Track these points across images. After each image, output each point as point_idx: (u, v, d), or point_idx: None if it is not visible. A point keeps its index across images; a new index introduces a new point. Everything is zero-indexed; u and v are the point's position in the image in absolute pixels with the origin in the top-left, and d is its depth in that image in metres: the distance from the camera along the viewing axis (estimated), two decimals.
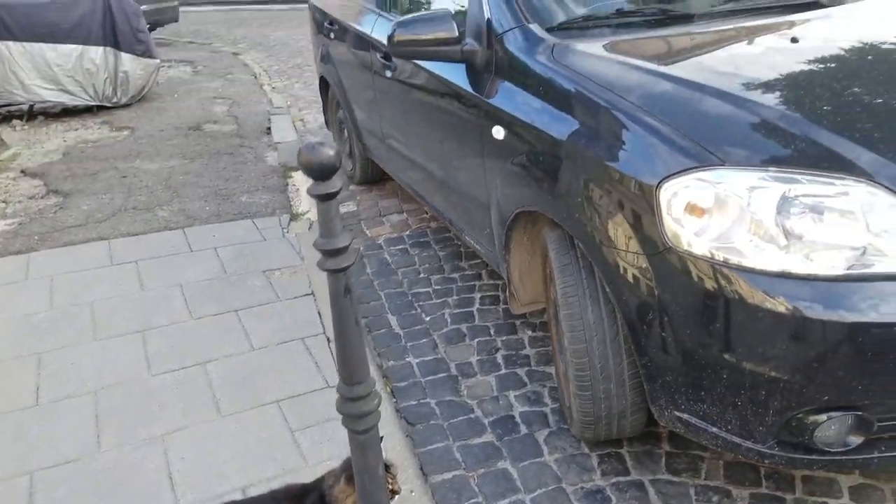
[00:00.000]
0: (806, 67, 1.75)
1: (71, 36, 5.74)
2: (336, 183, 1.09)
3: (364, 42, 3.31)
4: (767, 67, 1.73)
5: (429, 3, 3.02)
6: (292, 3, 16.76)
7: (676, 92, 1.64)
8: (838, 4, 2.16)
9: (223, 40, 11.35)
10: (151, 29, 9.07)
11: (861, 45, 1.90)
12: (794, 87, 1.66)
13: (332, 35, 3.92)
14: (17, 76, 5.57)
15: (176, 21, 11.47)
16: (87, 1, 5.85)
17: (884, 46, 1.91)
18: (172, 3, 11.50)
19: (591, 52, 1.91)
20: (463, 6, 2.45)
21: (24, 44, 5.54)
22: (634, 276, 1.51)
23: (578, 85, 1.78)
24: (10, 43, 5.50)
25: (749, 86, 1.63)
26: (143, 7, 9.33)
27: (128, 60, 6.00)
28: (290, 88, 7.19)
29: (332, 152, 1.08)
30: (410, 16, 2.34)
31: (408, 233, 3.47)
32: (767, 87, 1.63)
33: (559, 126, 1.78)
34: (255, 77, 7.74)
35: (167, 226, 3.60)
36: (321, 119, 5.63)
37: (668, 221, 1.43)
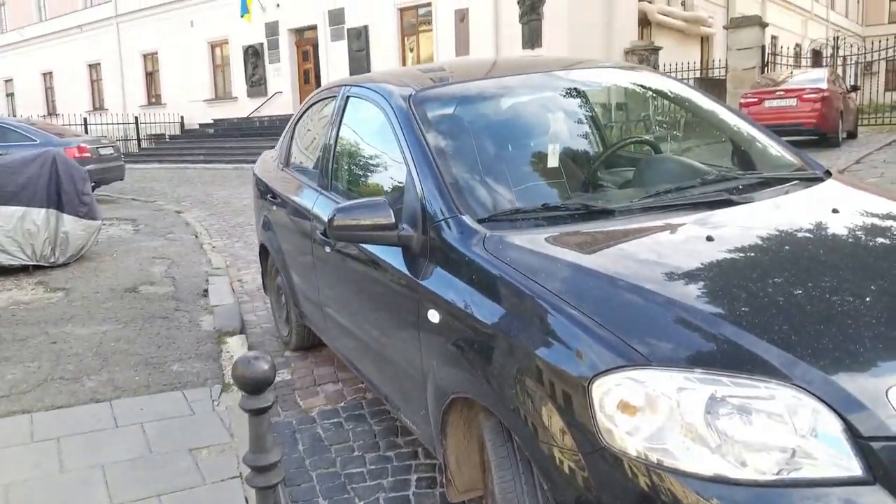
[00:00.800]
0: (723, 264, 1.85)
1: (15, 198, 5.77)
2: (269, 397, 1.10)
3: (305, 215, 3.43)
4: (686, 264, 1.82)
5: (366, 182, 3.19)
6: (237, 162, 17.31)
7: (601, 285, 1.73)
8: (749, 202, 2.35)
9: (167, 198, 11.50)
10: (96, 187, 9.18)
11: (774, 241, 2.01)
12: (713, 284, 1.75)
13: (273, 206, 4.05)
14: None
15: (121, 179, 11.64)
16: (35, 165, 5.94)
17: (795, 242, 2.03)
18: (118, 162, 11.73)
19: (521, 244, 2.02)
20: (395, 183, 2.60)
21: None
22: (571, 473, 1.52)
23: (509, 275, 1.87)
24: None
25: (670, 281, 1.72)
26: (90, 166, 9.53)
27: (69, 221, 6.01)
28: (231, 247, 7.26)
29: (266, 366, 1.10)
30: (349, 203, 2.46)
31: (342, 404, 3.41)
32: (687, 283, 1.72)
33: (491, 314, 1.85)
34: (196, 236, 7.80)
35: (94, 397, 3.44)
36: (259, 280, 5.66)
37: (601, 419, 1.45)
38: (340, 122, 3.33)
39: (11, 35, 29.90)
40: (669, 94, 3.30)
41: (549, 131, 2.93)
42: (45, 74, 28.92)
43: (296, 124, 4.15)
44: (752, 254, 1.94)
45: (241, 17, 19.55)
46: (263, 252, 4.43)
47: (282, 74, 20.22)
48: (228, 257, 6.70)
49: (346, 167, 3.28)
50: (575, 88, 3.15)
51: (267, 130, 19.56)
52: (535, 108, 3.03)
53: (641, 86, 3.39)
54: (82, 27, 26.46)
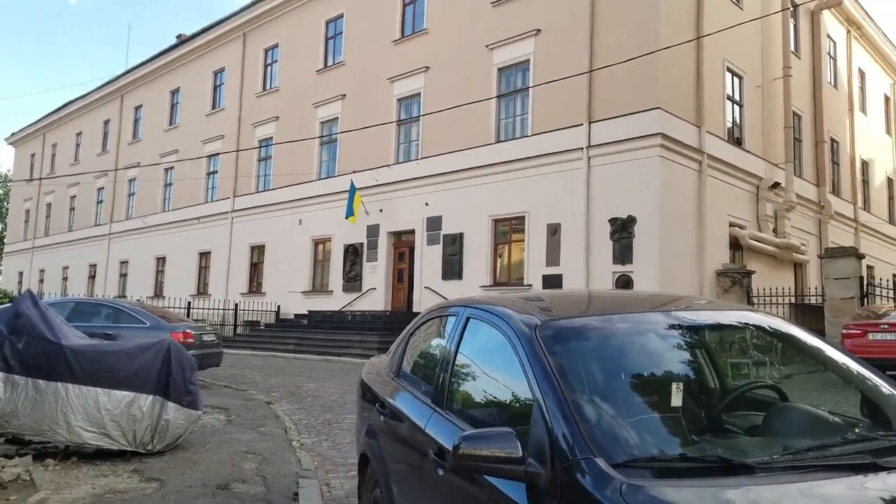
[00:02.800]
0: None
1: (127, 383, 6.00)
2: None
3: (416, 432, 3.43)
4: None
5: (485, 407, 3.20)
6: (326, 354, 17.80)
7: None
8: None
9: (258, 387, 11.79)
10: None
11: None
12: None
13: (381, 416, 4.08)
14: (66, 417, 5.73)
15: (218, 366, 12.11)
16: (151, 353, 6.27)
17: None
18: (218, 349, 12.29)
19: (664, 497, 1.96)
20: (518, 411, 2.59)
21: (82, 387, 5.81)
22: None
23: None
24: (70, 385, 5.78)
25: None
26: (192, 352, 9.99)
27: (172, 409, 6.20)
28: (319, 446, 7.23)
29: None
30: (476, 431, 2.47)
31: None
32: None
33: None
34: (286, 431, 7.85)
35: None
36: (347, 485, 5.57)
37: None
38: (460, 341, 3.44)
39: (135, 222, 33.31)
40: (786, 335, 3.26)
41: (673, 371, 2.92)
42: (158, 258, 31.61)
43: (411, 335, 4.30)
44: None
45: (346, 218, 21.23)
46: (363, 461, 4.39)
47: (377, 272, 21.35)
48: (316, 457, 6.65)
49: (463, 388, 3.32)
50: (692, 327, 3.19)
51: (358, 324, 20.27)
52: (658, 347, 3.05)
53: (758, 327, 3.38)
54: (200, 219, 29.25)
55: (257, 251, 26.51)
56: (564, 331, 2.91)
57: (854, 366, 2.96)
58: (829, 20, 24.17)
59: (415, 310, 19.44)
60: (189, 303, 24.47)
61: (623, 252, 15.41)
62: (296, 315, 23.16)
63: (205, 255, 29.09)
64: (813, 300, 17.17)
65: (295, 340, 20.13)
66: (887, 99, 30.20)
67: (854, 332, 12.38)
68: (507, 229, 18.33)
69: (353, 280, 22.07)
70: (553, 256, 16.74)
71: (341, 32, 23.97)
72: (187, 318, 18.00)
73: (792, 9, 20.97)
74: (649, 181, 15.22)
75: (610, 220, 15.64)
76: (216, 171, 29.14)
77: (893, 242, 29.26)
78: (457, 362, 3.39)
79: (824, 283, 15.69)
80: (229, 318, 24.32)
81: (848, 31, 25.91)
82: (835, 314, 14.56)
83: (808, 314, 15.91)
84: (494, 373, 3.18)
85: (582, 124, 16.26)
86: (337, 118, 23.53)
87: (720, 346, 3.43)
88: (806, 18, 22.75)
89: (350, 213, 21.14)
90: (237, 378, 12.87)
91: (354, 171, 21.60)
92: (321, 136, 24.23)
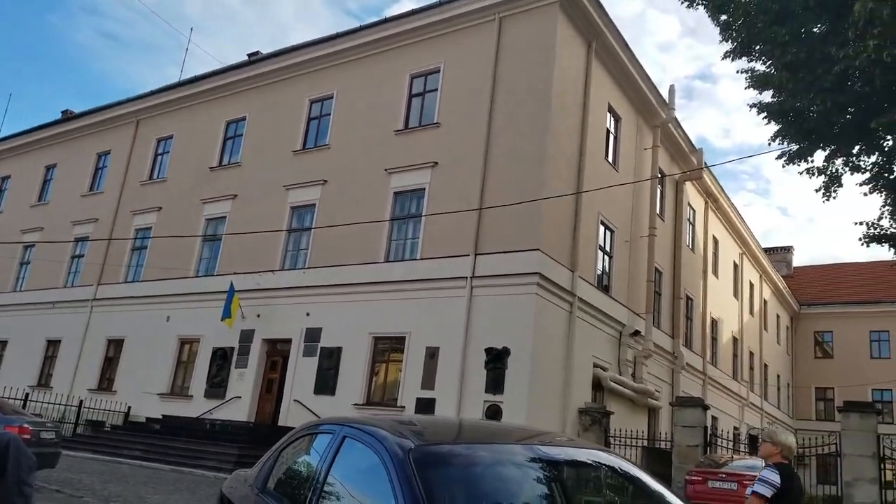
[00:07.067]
0: None
1: None
2: None
3: None
4: None
5: None
6: (177, 464, 16.53)
7: None
8: None
9: (96, 495, 10.76)
10: None
11: None
12: None
13: None
14: None
15: (53, 467, 11.01)
16: None
17: None
18: (56, 448, 11.23)
19: None
20: None
21: None
22: None
23: None
24: None
25: None
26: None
27: None
28: None
29: None
30: None
31: None
32: None
33: None
34: None
35: None
36: None
37: None
38: (333, 460, 3.49)
39: None
40: (633, 477, 3.57)
41: (533, 502, 3.13)
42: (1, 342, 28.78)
43: (282, 449, 4.27)
44: None
45: (222, 320, 20.45)
46: None
47: (245, 380, 20.45)
48: None
49: None
50: (551, 462, 3.44)
51: (217, 434, 19.07)
52: (520, 478, 3.26)
53: (612, 468, 3.68)
54: (56, 304, 27.12)
55: (114, 345, 24.71)
56: (436, 456, 3.07)
57: None
58: (690, 191, 27.26)
59: (281, 423, 18.64)
60: (27, 394, 22.14)
61: (496, 382, 15.80)
62: (148, 419, 21.49)
63: (53, 344, 26.75)
64: (663, 445, 18.13)
65: (143, 446, 18.56)
66: (736, 266, 33.82)
67: (696, 478, 13.24)
68: (387, 348, 18.36)
69: (217, 386, 20.98)
70: (429, 380, 16.86)
71: (241, 134, 24.13)
72: (23, 410, 16.29)
73: (660, 177, 23.57)
74: (525, 316, 15.98)
75: (486, 350, 16.10)
76: (82, 255, 27.49)
77: (735, 397, 31.76)
78: (327, 481, 3.43)
79: (674, 430, 16.70)
80: (71, 415, 22.17)
81: (706, 203, 29.25)
82: (681, 460, 15.44)
83: (659, 458, 16.76)
84: (363, 494, 3.25)
85: (468, 255, 17.02)
86: (225, 217, 23.20)
87: (577, 483, 3.69)
88: (671, 187, 25.56)
89: (227, 314, 20.44)
90: (72, 483, 11.67)
91: (236, 273, 21.13)
92: (205, 235, 23.72)
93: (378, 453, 3.08)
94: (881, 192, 10.86)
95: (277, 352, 20.46)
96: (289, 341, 19.89)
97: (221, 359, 21.19)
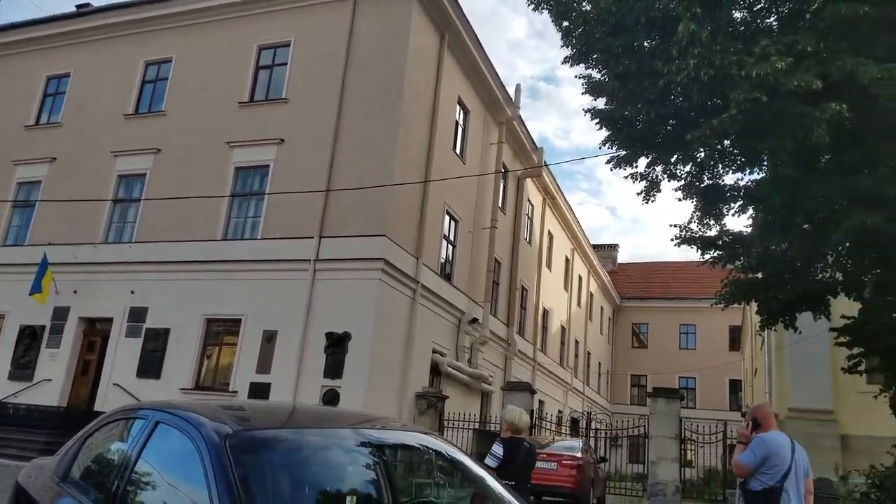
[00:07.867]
0: None
1: None
2: None
3: None
4: None
5: None
6: None
7: None
8: None
9: None
10: None
11: None
12: None
13: None
14: None
15: None
16: None
17: None
18: None
19: None
20: None
21: None
22: None
23: None
24: None
25: None
26: None
27: None
28: None
29: None
30: None
31: None
32: None
33: None
34: None
35: None
36: None
37: None
38: (143, 447, 3.28)
39: None
40: (454, 460, 3.70)
41: (353, 486, 3.14)
42: None
43: (88, 436, 3.94)
44: None
45: (31, 294, 18.47)
46: None
47: (58, 362, 18.67)
48: None
49: (139, 498, 3.14)
50: (377, 445, 3.48)
51: (22, 420, 17.32)
52: (343, 462, 3.25)
53: (436, 451, 3.77)
54: None
55: None
56: (255, 441, 2.98)
57: (497, 487, 3.47)
58: (530, 187, 28.60)
59: (97, 409, 17.20)
60: None
61: (335, 367, 15.67)
62: None
63: None
64: (494, 427, 18.98)
65: None
66: (567, 260, 36.05)
67: None
68: (221, 330, 17.57)
69: (24, 367, 18.98)
70: (265, 364, 16.36)
71: (64, 92, 21.93)
72: None
73: (503, 172, 24.50)
74: (368, 302, 15.97)
75: (326, 334, 15.91)
76: None
77: (561, 382, 33.95)
78: (136, 469, 3.22)
79: (503, 413, 17.54)
80: None
81: (544, 199, 30.85)
82: None
83: (489, 439, 17.49)
84: (176, 483, 3.08)
85: (313, 237, 16.67)
86: (40, 182, 20.99)
87: (401, 465, 3.75)
88: (513, 182, 26.66)
89: (37, 289, 18.47)
90: None
91: (50, 244, 19.20)
92: (15, 201, 21.30)
93: (193, 440, 2.93)
94: (693, 198, 11.99)
95: (96, 332, 18.91)
96: (110, 320, 18.44)
97: (30, 337, 19.21)
